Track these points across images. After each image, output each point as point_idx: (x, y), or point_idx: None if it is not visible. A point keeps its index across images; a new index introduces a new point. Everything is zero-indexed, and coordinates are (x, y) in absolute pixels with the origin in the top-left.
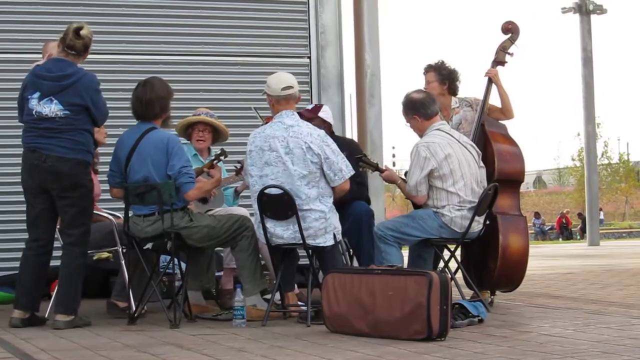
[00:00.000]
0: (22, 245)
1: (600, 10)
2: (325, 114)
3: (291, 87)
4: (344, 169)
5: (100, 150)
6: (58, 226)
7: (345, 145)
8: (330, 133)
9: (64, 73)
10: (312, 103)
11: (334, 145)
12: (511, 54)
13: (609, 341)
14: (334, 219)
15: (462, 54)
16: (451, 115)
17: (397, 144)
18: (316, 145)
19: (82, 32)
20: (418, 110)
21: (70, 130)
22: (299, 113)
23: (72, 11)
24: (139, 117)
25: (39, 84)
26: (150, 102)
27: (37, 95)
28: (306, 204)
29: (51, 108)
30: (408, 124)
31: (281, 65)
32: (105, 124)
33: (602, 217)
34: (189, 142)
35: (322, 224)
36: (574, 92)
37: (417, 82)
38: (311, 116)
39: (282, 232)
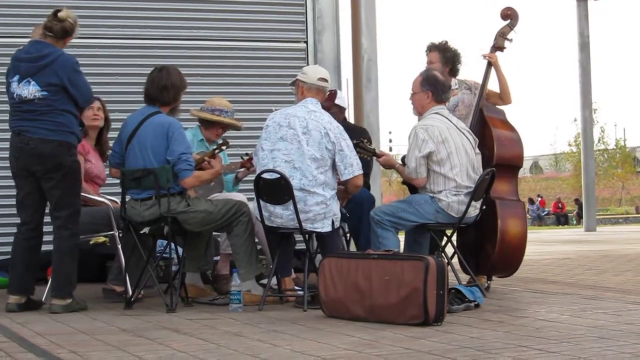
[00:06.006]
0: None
1: None
2: (341, 100)
3: (326, 80)
4: (355, 165)
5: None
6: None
7: (357, 132)
8: (343, 118)
9: (40, 54)
10: None
11: (350, 142)
12: (510, 40)
13: (605, 326)
14: (335, 206)
15: (460, 38)
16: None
17: (394, 129)
18: (333, 135)
19: (60, 15)
20: (436, 89)
21: (50, 112)
22: None
23: None
24: (150, 100)
25: (18, 66)
26: (165, 88)
27: (16, 78)
28: (312, 185)
29: (29, 89)
30: (412, 97)
31: (278, 50)
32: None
33: None
34: (198, 126)
35: (323, 209)
36: (571, 77)
37: (414, 67)
38: (328, 104)
39: (282, 211)
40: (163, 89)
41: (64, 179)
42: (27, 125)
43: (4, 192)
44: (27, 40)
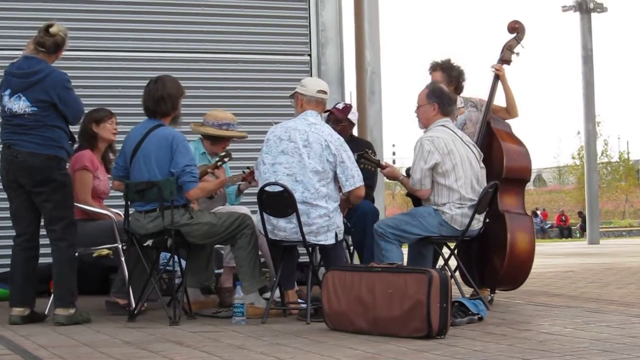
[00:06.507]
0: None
1: (600, 8)
2: (354, 115)
3: (325, 92)
4: (356, 176)
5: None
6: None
7: (363, 145)
8: (350, 133)
9: (31, 70)
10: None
11: (350, 153)
12: (517, 54)
13: (609, 340)
14: (338, 219)
15: (463, 51)
16: (456, 115)
17: (397, 142)
18: (334, 147)
19: (52, 30)
20: (443, 101)
21: (40, 127)
22: (329, 110)
23: (71, 8)
24: (150, 113)
25: (10, 81)
26: (162, 99)
27: (8, 92)
28: (314, 198)
29: (20, 105)
30: (417, 110)
31: (282, 62)
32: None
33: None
34: (199, 139)
35: (326, 222)
36: (574, 90)
37: (417, 80)
38: (341, 117)
39: (285, 224)
40: (160, 100)
41: (54, 193)
42: (17, 138)
43: (2, 204)
44: (22, 52)
